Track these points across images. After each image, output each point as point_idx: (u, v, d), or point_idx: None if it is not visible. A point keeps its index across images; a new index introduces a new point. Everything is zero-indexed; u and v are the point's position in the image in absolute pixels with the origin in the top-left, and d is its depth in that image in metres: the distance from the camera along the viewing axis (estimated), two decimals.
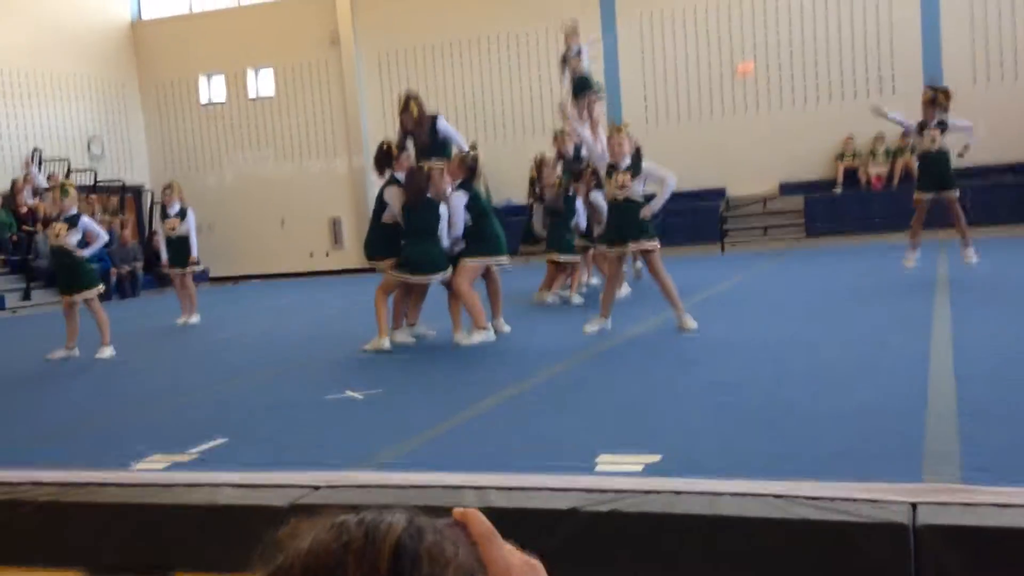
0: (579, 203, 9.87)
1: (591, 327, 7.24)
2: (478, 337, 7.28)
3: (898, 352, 5.55)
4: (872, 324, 6.81)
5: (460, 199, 7.44)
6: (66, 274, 8.50)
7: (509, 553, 0.72)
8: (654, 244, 7.13)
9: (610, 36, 18.53)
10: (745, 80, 17.60)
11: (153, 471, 4.07)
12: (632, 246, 7.24)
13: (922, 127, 9.15)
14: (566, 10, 18.64)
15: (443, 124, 7.95)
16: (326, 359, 7.31)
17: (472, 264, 7.48)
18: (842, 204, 16.64)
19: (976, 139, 9.38)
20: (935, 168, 9.09)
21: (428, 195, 7.35)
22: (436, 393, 5.61)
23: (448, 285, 7.54)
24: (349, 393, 5.52)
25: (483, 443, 4.17)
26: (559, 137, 10.91)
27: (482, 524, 0.72)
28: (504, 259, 7.70)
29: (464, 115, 19.33)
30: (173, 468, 4.10)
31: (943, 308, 7.22)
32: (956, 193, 9.12)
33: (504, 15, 19.05)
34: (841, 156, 16.91)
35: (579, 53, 10.70)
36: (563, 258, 9.81)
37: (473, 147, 7.90)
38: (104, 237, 8.84)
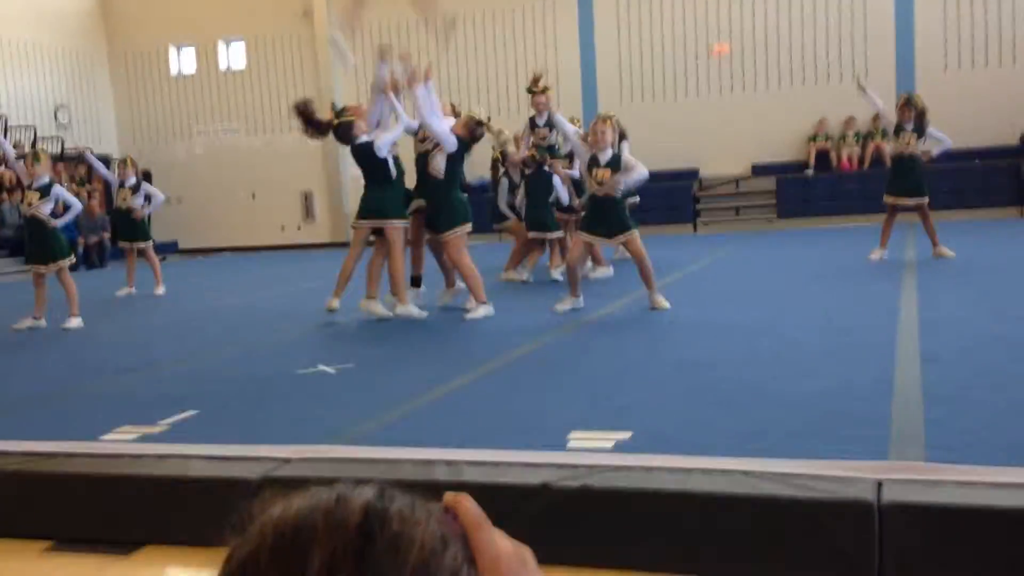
0: (556, 179, 9.81)
1: (562, 306, 7.26)
2: (482, 311, 7.21)
3: (865, 335, 5.63)
4: (840, 307, 6.89)
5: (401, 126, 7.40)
6: (37, 244, 8.38)
7: (499, 539, 0.72)
8: (632, 236, 7.13)
9: (587, 14, 18.49)
10: (720, 61, 17.65)
11: (122, 442, 4.05)
12: (608, 241, 7.34)
13: (898, 129, 9.28)
14: None
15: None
16: (298, 333, 7.28)
17: (460, 233, 7.45)
18: (814, 186, 16.78)
19: (945, 150, 9.44)
20: (909, 174, 9.23)
21: (358, 141, 7.30)
22: (409, 369, 5.61)
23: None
24: (321, 367, 5.51)
25: (456, 419, 4.19)
26: (536, 97, 10.30)
27: (472, 511, 0.72)
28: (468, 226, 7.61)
29: (437, 93, 19.19)
30: (143, 440, 4.08)
31: (910, 291, 7.32)
32: (926, 200, 9.25)
33: None
34: (814, 138, 17.02)
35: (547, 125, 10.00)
36: (539, 235, 9.74)
37: (485, 123, 7.78)
38: (78, 206, 8.75)
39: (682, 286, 8.69)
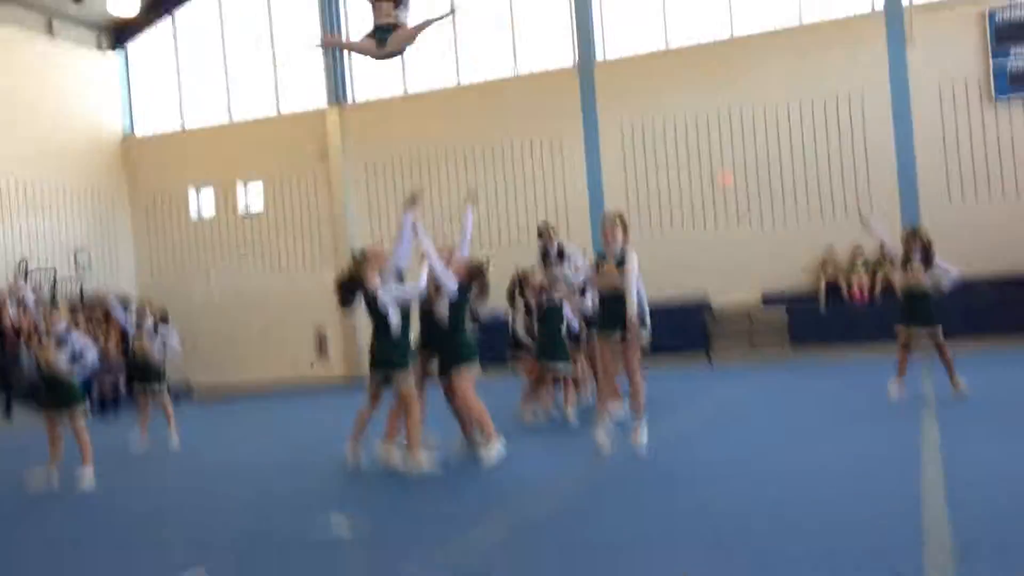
0: (567, 309, 9.87)
1: (602, 438, 7.18)
2: (495, 449, 7.20)
3: (890, 481, 5.53)
4: (861, 449, 6.78)
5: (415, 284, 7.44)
6: (51, 390, 8.43)
7: None
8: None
9: (593, 148, 18.99)
10: (725, 192, 18.00)
11: None
12: (616, 335, 7.35)
13: (905, 261, 9.38)
14: (549, 124, 19.18)
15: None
16: (315, 483, 7.19)
17: (471, 372, 7.48)
18: (826, 316, 16.79)
19: (954, 280, 9.47)
20: (919, 305, 9.26)
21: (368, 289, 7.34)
22: (424, 527, 5.50)
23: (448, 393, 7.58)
24: (334, 526, 5.41)
25: None
26: (546, 232, 10.41)
27: None
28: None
29: (450, 226, 19.58)
30: None
31: (931, 430, 7.23)
32: (939, 329, 9.23)
33: (487, 129, 19.52)
34: (823, 268, 17.16)
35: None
36: (548, 364, 9.74)
37: (486, 261, 7.97)
38: (93, 352, 8.74)
39: (700, 424, 8.60)
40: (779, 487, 5.63)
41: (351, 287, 7.41)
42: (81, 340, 8.66)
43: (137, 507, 6.86)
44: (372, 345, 7.44)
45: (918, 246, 9.30)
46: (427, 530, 5.35)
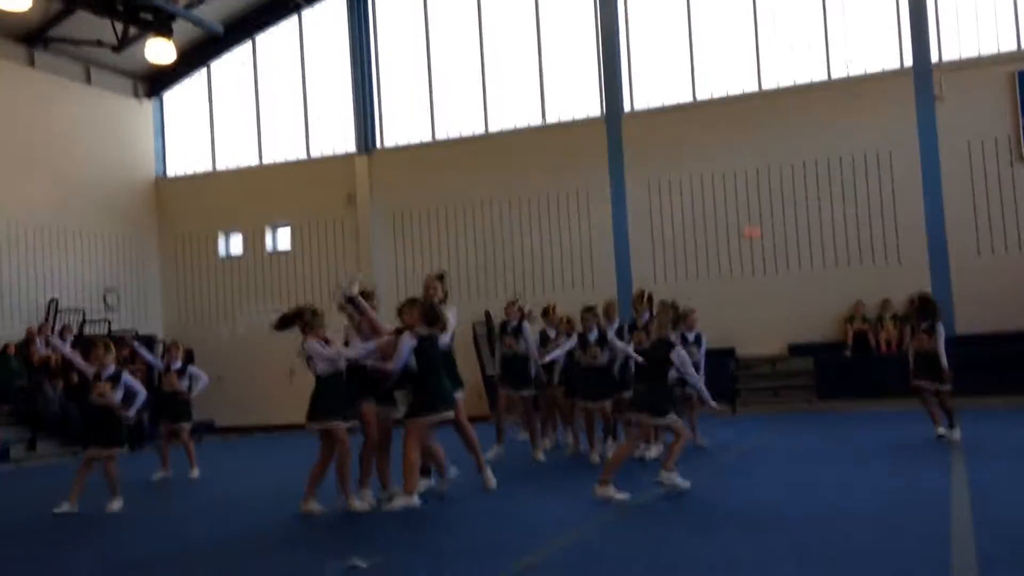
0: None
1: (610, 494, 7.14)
2: (400, 502, 7.17)
3: (918, 531, 5.42)
4: (890, 498, 6.67)
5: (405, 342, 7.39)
6: (98, 427, 8.49)
7: None
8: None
9: (619, 198, 19.04)
10: (752, 243, 17.96)
11: None
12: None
13: (914, 329, 10.31)
14: (577, 176, 19.28)
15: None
16: (330, 519, 7.16)
17: (420, 422, 7.40)
18: (853, 367, 16.61)
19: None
20: (929, 365, 9.90)
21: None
22: (441, 562, 5.45)
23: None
24: (353, 561, 5.38)
25: None
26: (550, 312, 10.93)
27: None
28: (449, 414, 7.54)
29: (476, 274, 19.69)
30: None
31: (961, 483, 7.09)
32: (948, 387, 9.84)
33: (514, 179, 19.66)
34: (851, 319, 17.01)
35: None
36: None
37: (440, 276, 8.14)
38: (143, 393, 8.82)
39: (725, 472, 8.49)
40: (803, 535, 5.53)
41: (287, 322, 7.69)
42: (133, 380, 8.70)
43: (158, 541, 6.85)
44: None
45: (924, 317, 10.07)
46: (443, 569, 5.29)
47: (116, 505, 8.38)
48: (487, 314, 16.95)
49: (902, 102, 17.17)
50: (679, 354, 7.29)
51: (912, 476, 7.75)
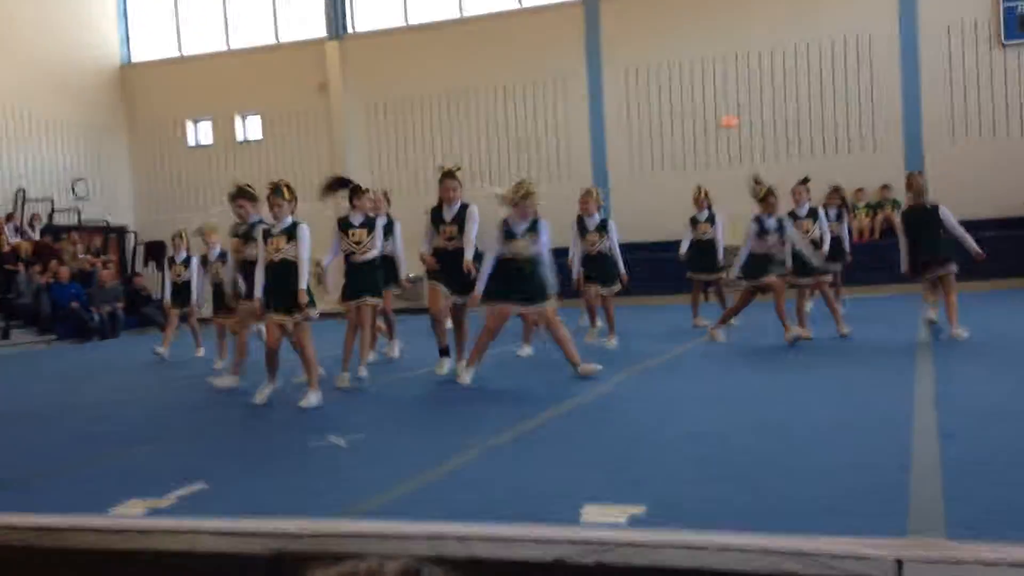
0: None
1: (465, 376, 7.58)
2: (314, 399, 6.99)
3: (881, 408, 5.57)
4: (854, 381, 6.84)
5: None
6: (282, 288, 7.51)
7: None
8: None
9: (596, 86, 18.79)
10: (729, 133, 17.86)
11: (131, 517, 4.01)
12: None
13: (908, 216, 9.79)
14: (553, 63, 18.94)
15: None
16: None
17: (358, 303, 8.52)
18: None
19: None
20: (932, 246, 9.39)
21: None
22: (419, 440, 5.57)
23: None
24: (332, 439, 5.47)
25: (467, 493, 4.14)
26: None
27: None
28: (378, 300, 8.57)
29: (463, 163, 19.44)
30: (151, 514, 4.04)
31: (926, 365, 7.27)
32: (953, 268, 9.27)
33: (490, 68, 19.29)
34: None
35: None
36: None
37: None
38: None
39: (689, 357, 8.65)
40: (765, 411, 5.67)
41: (338, 185, 8.86)
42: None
43: (139, 424, 6.93)
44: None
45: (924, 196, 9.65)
46: (420, 444, 5.40)
47: (313, 399, 7.05)
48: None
49: None
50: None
51: (877, 359, 7.93)
